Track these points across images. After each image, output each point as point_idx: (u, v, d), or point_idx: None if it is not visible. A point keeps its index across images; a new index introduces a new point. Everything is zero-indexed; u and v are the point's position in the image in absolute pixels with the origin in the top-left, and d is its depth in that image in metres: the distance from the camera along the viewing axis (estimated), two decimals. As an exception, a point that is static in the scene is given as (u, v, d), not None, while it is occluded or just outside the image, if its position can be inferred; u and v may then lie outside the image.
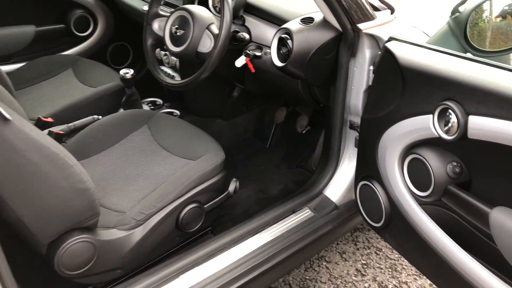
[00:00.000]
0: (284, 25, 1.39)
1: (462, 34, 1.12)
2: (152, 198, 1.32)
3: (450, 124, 1.02)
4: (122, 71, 1.79)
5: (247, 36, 1.52)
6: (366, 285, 1.76)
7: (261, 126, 2.22)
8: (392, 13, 1.53)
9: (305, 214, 1.57)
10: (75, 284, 1.30)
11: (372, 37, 1.36)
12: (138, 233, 1.27)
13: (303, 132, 2.00)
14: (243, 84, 1.81)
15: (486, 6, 1.14)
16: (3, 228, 1.02)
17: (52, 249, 1.12)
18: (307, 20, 1.39)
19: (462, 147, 1.06)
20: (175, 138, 1.55)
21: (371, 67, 1.35)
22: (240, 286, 1.33)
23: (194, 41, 1.42)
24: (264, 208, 1.54)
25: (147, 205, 1.30)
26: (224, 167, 1.49)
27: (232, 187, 1.50)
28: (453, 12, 1.18)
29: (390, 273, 1.80)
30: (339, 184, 1.62)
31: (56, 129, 1.60)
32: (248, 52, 1.49)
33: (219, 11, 1.47)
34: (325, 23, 1.38)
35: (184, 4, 1.72)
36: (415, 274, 1.80)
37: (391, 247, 1.61)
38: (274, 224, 1.50)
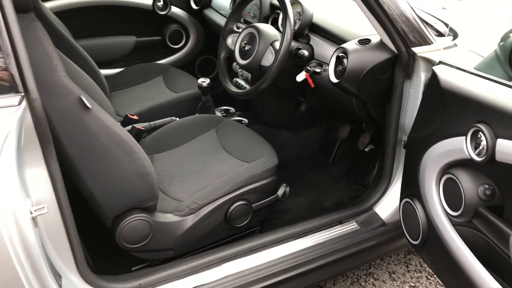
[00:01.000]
0: (342, 45, 1.49)
1: (507, 61, 1.13)
2: (206, 191, 1.49)
3: (480, 146, 1.05)
4: (199, 80, 2.01)
5: (306, 53, 1.64)
6: (411, 307, 1.75)
7: (326, 141, 2.31)
8: (454, 38, 1.56)
9: (351, 226, 1.63)
10: (135, 260, 1.50)
11: (429, 60, 1.41)
12: (190, 220, 1.44)
13: (366, 150, 2.05)
14: (305, 98, 1.92)
15: None
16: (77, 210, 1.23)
17: (116, 223, 1.33)
18: (364, 41, 1.47)
19: (495, 170, 1.08)
20: (237, 142, 1.71)
21: None
22: (275, 283, 1.44)
23: (258, 55, 1.58)
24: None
25: (201, 197, 1.47)
26: (276, 172, 1.62)
27: (281, 191, 1.62)
28: (502, 39, 1.20)
29: (439, 299, 1.78)
30: (390, 202, 1.66)
31: (139, 125, 1.85)
32: (308, 68, 1.61)
33: (285, 29, 1.61)
34: (381, 45, 1.46)
35: (258, 22, 1.89)
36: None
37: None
38: (318, 231, 1.59)
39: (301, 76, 1.63)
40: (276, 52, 1.51)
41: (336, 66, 1.50)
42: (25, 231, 0.98)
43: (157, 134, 1.82)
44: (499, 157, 1.01)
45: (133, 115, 1.93)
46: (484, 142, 1.03)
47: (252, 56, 1.59)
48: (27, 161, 1.01)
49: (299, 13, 1.72)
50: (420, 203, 1.36)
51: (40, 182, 1.05)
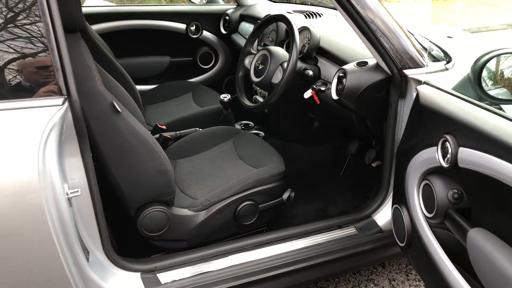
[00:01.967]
0: (343, 66, 1.68)
1: (476, 81, 1.29)
2: (218, 191, 1.69)
3: (448, 155, 1.21)
4: (221, 96, 2.24)
5: (311, 73, 1.84)
6: (408, 312, 1.87)
7: (338, 156, 2.48)
8: (448, 63, 1.72)
9: (350, 231, 1.79)
10: (154, 248, 1.71)
11: (419, 82, 1.58)
12: (202, 215, 1.64)
13: (373, 165, 2.20)
14: (313, 113, 2.11)
15: (494, 61, 1.30)
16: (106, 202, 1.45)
17: (138, 213, 1.55)
18: (362, 64, 1.65)
19: (462, 176, 1.23)
20: (250, 151, 1.91)
21: None
22: (275, 275, 1.61)
23: (269, 74, 1.79)
24: None
25: (213, 195, 1.67)
26: (283, 178, 1.80)
27: (285, 195, 1.80)
28: (474, 63, 1.36)
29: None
30: (387, 211, 1.80)
31: (166, 134, 2.09)
32: (314, 86, 1.81)
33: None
34: (377, 67, 1.63)
35: (275, 45, 2.12)
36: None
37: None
38: (319, 233, 1.75)
39: (308, 93, 1.83)
40: (284, 71, 1.72)
41: (337, 85, 1.69)
42: (62, 209, 1.20)
43: (181, 142, 2.05)
44: (461, 163, 1.16)
45: (161, 125, 2.18)
46: (450, 150, 1.19)
47: (264, 75, 1.81)
48: (66, 151, 1.24)
49: (308, 38, 1.93)
50: (406, 208, 1.51)
51: (75, 170, 1.28)
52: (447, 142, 1.21)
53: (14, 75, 1.14)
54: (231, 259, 1.61)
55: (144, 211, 1.54)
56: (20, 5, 1.13)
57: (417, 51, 1.60)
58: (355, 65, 1.66)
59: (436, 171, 1.31)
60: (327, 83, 1.84)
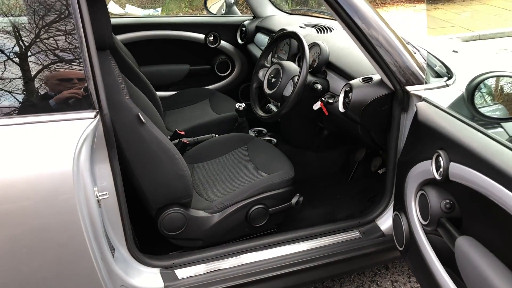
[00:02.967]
0: (350, 81, 1.80)
1: (469, 100, 1.40)
2: (232, 194, 1.83)
3: (441, 168, 1.33)
4: (237, 104, 2.38)
5: (320, 86, 1.97)
6: (408, 313, 1.98)
7: (346, 162, 2.60)
8: (449, 79, 1.83)
9: (354, 234, 1.91)
10: (173, 247, 1.86)
11: (420, 97, 1.69)
12: (217, 217, 1.79)
13: (379, 172, 2.32)
14: (322, 123, 2.24)
15: (488, 81, 1.41)
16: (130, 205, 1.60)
17: (158, 213, 1.70)
18: (367, 79, 1.77)
19: (454, 188, 1.35)
20: (262, 157, 2.05)
21: None
22: (283, 274, 1.74)
23: (281, 87, 1.93)
24: None
25: (227, 199, 1.82)
26: (292, 184, 1.94)
27: (294, 200, 1.93)
28: (469, 83, 1.47)
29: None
30: (390, 217, 1.92)
31: (184, 139, 2.24)
32: (323, 99, 1.94)
33: (307, 67, 1.96)
34: (381, 83, 1.75)
35: (287, 58, 2.26)
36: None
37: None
38: (325, 236, 1.88)
39: (317, 105, 1.95)
40: (295, 85, 1.85)
41: (344, 99, 1.81)
42: (92, 209, 1.35)
43: (198, 147, 2.20)
44: (451, 177, 1.28)
45: (180, 131, 2.33)
46: (442, 164, 1.31)
47: (276, 87, 1.94)
48: (97, 158, 1.40)
49: (318, 53, 2.06)
50: (405, 215, 1.62)
51: (104, 175, 1.43)
52: (440, 157, 1.32)
53: (54, 90, 1.30)
54: (243, 258, 1.74)
55: (164, 212, 1.69)
56: (55, 24, 1.26)
57: (419, 67, 1.71)
58: (361, 80, 1.78)
59: (431, 182, 1.43)
60: (335, 95, 1.96)
